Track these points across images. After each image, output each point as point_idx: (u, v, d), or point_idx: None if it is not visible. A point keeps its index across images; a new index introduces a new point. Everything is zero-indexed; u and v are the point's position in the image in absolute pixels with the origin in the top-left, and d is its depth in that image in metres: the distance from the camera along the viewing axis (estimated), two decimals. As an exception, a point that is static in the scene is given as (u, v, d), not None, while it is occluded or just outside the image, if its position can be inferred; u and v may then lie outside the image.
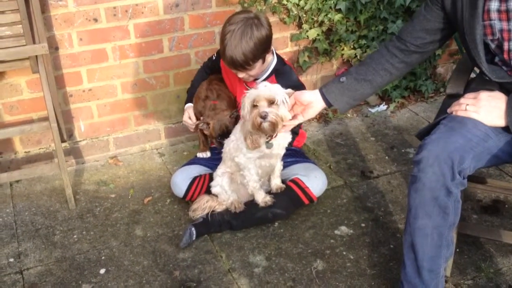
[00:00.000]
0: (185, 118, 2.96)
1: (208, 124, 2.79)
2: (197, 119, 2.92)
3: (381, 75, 2.14)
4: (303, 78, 3.52)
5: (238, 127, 2.56)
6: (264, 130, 2.30)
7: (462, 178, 1.86)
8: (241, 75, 2.65)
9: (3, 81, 2.94)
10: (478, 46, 1.93)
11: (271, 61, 2.74)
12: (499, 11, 1.87)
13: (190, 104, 2.96)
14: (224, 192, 2.64)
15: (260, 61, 2.60)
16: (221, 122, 2.76)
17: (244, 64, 2.53)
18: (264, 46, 2.56)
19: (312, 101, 2.18)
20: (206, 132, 2.85)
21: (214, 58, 2.96)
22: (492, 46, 1.96)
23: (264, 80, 2.71)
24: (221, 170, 2.68)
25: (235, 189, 2.66)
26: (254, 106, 2.30)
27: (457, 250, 2.39)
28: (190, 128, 2.97)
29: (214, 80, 2.91)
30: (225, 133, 2.74)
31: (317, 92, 2.18)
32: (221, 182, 2.64)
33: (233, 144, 2.56)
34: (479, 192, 2.83)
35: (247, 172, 2.56)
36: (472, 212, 2.72)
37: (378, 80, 2.15)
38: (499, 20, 1.89)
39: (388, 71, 2.14)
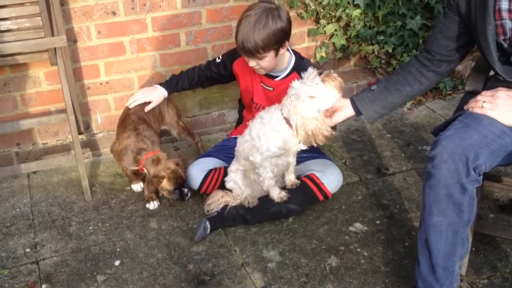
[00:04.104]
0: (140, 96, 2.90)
1: (162, 178, 2.66)
2: (136, 174, 2.84)
3: (410, 84, 2.19)
4: (320, 74, 3.51)
5: (253, 126, 2.53)
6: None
7: (477, 175, 1.84)
8: (252, 63, 2.65)
9: (21, 73, 2.97)
10: (491, 46, 1.93)
11: (290, 59, 2.74)
12: (509, 10, 1.87)
13: (163, 92, 2.94)
14: (238, 187, 2.64)
15: (271, 53, 2.59)
16: (176, 174, 2.66)
17: (254, 51, 2.54)
18: (277, 38, 2.55)
19: (341, 106, 2.27)
20: (160, 189, 2.72)
21: (218, 60, 2.93)
22: (505, 45, 1.95)
23: (285, 78, 2.74)
24: (234, 166, 2.68)
25: (248, 184, 2.66)
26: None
27: (473, 249, 2.37)
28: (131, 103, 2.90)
29: (140, 126, 2.79)
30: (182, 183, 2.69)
31: (347, 99, 2.26)
32: (234, 178, 2.64)
33: (248, 144, 2.54)
34: (496, 191, 2.80)
35: (263, 170, 2.54)
36: (489, 211, 2.70)
37: (408, 89, 2.20)
38: (509, 20, 1.88)
39: (418, 79, 2.19)
